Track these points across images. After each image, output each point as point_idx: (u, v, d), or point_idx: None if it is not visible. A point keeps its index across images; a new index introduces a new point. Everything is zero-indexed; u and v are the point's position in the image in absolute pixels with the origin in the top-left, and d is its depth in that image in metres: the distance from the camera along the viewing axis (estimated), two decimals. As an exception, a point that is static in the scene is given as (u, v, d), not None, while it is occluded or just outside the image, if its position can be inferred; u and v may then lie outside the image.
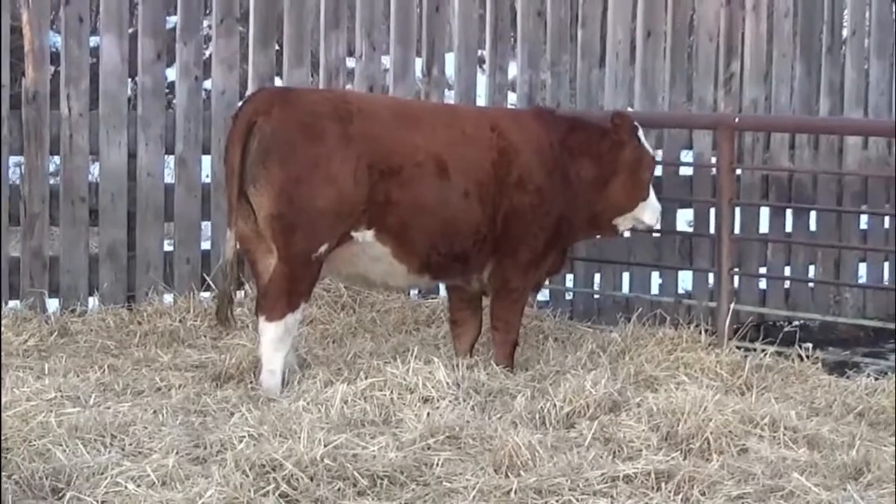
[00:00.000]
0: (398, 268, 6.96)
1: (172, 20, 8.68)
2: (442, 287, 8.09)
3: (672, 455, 5.73)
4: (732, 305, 7.89)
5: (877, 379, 7.15)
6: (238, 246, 6.73)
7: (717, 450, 5.88)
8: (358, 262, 6.93)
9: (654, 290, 9.21)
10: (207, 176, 8.53)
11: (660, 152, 9.13)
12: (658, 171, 8.87)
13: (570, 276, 9.08)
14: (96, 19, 9.01)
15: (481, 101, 9.16)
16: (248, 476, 5.28)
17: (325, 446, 5.47)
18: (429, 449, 5.74)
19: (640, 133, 7.44)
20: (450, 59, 8.96)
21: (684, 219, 10.16)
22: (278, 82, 8.73)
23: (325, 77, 8.62)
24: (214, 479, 5.21)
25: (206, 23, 8.90)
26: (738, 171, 8.81)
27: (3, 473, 5.23)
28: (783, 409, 6.32)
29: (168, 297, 8.20)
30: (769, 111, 9.52)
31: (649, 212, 7.46)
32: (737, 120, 8.39)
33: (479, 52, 9.10)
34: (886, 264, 9.77)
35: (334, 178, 6.64)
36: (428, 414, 6.03)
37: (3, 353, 7.07)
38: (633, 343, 7.57)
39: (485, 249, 7.06)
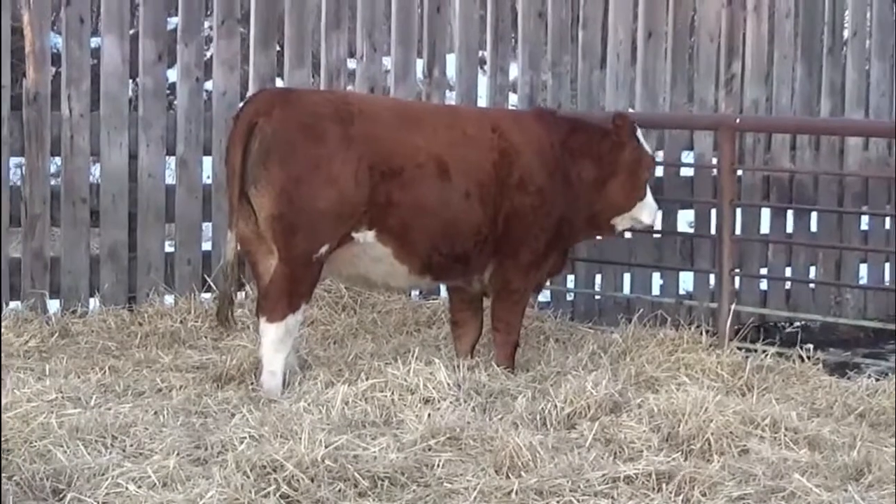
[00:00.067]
0: (399, 269, 6.96)
1: (173, 21, 8.69)
2: (443, 288, 8.10)
3: (673, 456, 5.73)
4: (733, 306, 7.88)
5: (878, 380, 7.15)
6: (239, 247, 6.73)
7: (717, 451, 5.88)
8: (359, 263, 6.93)
9: (655, 290, 9.21)
10: (208, 177, 8.52)
11: (661, 153, 9.14)
12: (659, 171, 8.91)
13: (571, 277, 9.08)
14: (97, 20, 9.00)
15: (482, 102, 9.16)
16: (248, 477, 5.28)
17: (326, 447, 5.47)
18: (430, 450, 5.74)
19: (640, 133, 7.45)
20: (451, 60, 8.96)
21: (685, 220, 10.17)
22: (279, 83, 8.73)
23: (326, 78, 8.62)
24: (215, 480, 5.21)
25: (207, 24, 8.91)
26: (739, 172, 8.80)
27: (3, 474, 5.23)
28: (784, 410, 6.32)
29: (169, 299, 8.20)
30: (770, 112, 9.52)
31: (647, 211, 7.47)
32: (738, 121, 8.39)
33: (480, 53, 9.11)
34: (887, 265, 9.77)
35: (335, 179, 6.64)
36: (429, 415, 6.03)
37: (3, 355, 7.08)
38: (634, 344, 7.57)
39: (486, 250, 7.06)
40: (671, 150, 9.25)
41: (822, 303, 9.58)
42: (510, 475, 5.48)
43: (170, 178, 8.48)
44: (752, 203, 9.25)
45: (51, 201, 8.09)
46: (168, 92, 8.74)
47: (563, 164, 7.23)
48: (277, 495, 5.20)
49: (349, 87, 8.89)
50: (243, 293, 8.09)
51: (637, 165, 7.38)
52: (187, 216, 8.37)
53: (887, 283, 9.73)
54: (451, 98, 9.24)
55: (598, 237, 7.95)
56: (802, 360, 7.41)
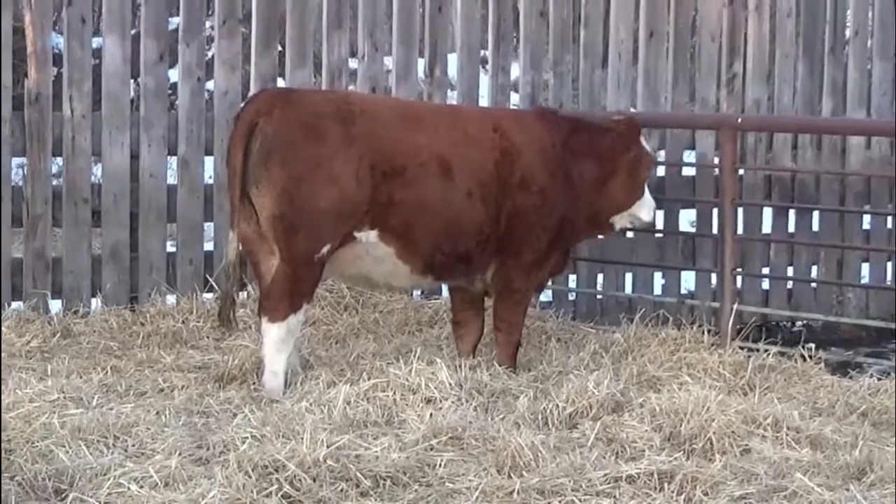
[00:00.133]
0: (402, 268, 6.96)
1: (175, 21, 8.68)
2: (444, 288, 8.10)
3: (675, 455, 5.73)
4: (735, 306, 7.89)
5: (879, 379, 7.15)
6: (240, 247, 6.74)
7: (719, 450, 5.88)
8: (361, 262, 6.93)
9: (657, 290, 9.20)
10: (210, 177, 8.53)
11: (662, 152, 9.15)
12: (661, 171, 8.92)
13: (572, 277, 9.08)
14: (99, 20, 9.00)
15: (484, 101, 9.15)
16: (250, 477, 5.28)
17: (328, 447, 5.47)
18: (431, 450, 5.74)
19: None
20: (452, 60, 8.96)
21: (687, 219, 10.16)
22: (281, 83, 8.73)
23: (328, 78, 8.62)
24: (217, 480, 5.21)
25: (208, 24, 8.91)
26: (741, 172, 8.81)
27: (5, 475, 5.24)
28: (786, 410, 6.32)
29: (171, 299, 8.20)
30: (772, 111, 9.51)
31: (646, 209, 7.49)
32: (739, 120, 8.39)
33: (482, 52, 9.10)
34: (889, 264, 9.76)
35: (336, 178, 6.64)
36: (431, 415, 6.03)
37: (5, 355, 7.08)
38: (635, 343, 7.57)
39: (488, 250, 7.06)
40: (673, 150, 9.24)
41: (823, 302, 9.58)
42: (512, 475, 5.48)
43: (171, 178, 8.48)
44: (753, 202, 9.24)
45: (52, 201, 8.10)
46: (169, 92, 8.73)
47: (565, 164, 7.24)
48: (279, 495, 5.20)
49: (351, 87, 8.88)
50: (245, 293, 8.08)
51: (637, 165, 7.39)
52: (189, 216, 8.37)
53: (889, 283, 9.72)
54: (453, 98, 9.23)
55: (600, 236, 7.96)
56: (804, 360, 7.41)
